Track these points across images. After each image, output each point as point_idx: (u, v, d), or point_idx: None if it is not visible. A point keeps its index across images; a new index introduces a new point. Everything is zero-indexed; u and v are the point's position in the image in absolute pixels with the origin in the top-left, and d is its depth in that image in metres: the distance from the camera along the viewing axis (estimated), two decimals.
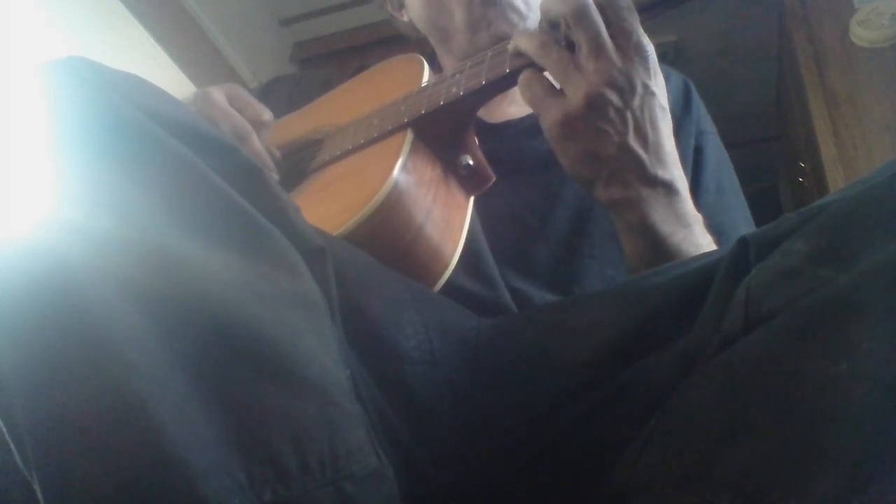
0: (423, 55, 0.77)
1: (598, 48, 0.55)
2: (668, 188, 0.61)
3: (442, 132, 0.66)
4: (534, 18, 0.81)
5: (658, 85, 0.58)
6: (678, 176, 0.61)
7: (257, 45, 2.25)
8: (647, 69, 0.57)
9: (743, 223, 0.82)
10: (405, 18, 0.90)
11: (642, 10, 0.57)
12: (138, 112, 0.41)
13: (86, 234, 0.36)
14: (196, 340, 0.35)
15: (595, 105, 0.56)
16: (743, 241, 0.42)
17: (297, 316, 0.39)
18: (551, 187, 0.79)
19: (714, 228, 0.67)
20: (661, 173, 0.60)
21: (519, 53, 0.60)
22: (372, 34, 2.26)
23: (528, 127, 0.82)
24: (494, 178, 0.69)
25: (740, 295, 0.39)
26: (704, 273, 0.45)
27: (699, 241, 0.62)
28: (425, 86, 0.69)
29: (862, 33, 1.79)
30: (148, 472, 0.31)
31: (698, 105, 0.88)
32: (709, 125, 0.88)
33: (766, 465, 0.33)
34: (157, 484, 0.31)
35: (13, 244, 0.35)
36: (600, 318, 0.51)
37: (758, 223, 0.70)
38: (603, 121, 0.57)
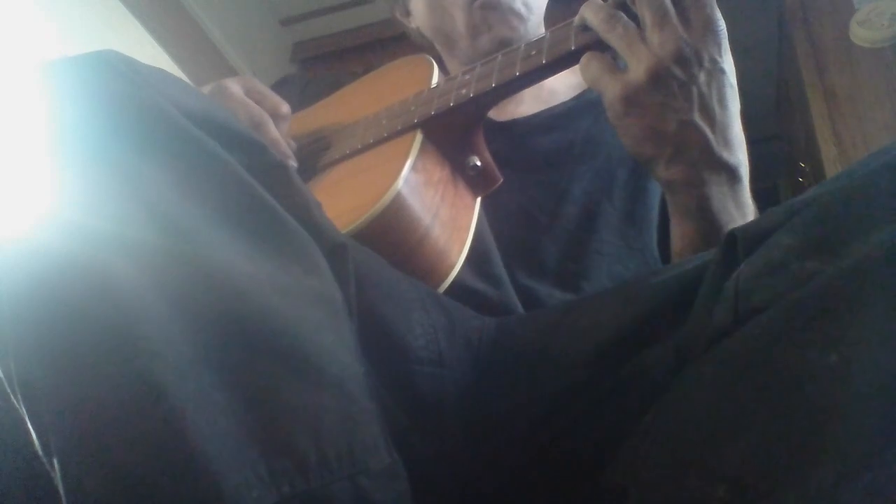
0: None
1: (661, 20, 0.54)
2: (732, 174, 0.58)
3: (451, 133, 0.66)
4: (534, 21, 0.81)
5: (728, 62, 0.56)
6: (743, 161, 0.59)
7: (257, 45, 2.25)
8: (717, 44, 0.55)
9: None
10: (413, 25, 0.90)
11: None
12: (170, 106, 0.42)
13: (114, 226, 0.36)
14: (219, 332, 0.35)
15: (658, 78, 0.54)
16: (731, 236, 0.42)
17: (317, 312, 0.39)
18: (559, 184, 0.79)
19: None
20: (727, 156, 0.57)
21: (584, 26, 0.59)
22: (372, 34, 2.26)
23: (536, 125, 0.82)
24: (501, 180, 0.70)
25: (729, 289, 0.39)
26: (699, 271, 0.45)
27: None
28: (436, 86, 0.69)
29: (862, 33, 1.79)
30: (167, 462, 0.31)
31: None
32: None
33: (760, 456, 0.33)
34: (176, 474, 0.31)
35: (41, 235, 0.36)
36: (600, 318, 0.51)
37: None
38: (666, 95, 0.55)
